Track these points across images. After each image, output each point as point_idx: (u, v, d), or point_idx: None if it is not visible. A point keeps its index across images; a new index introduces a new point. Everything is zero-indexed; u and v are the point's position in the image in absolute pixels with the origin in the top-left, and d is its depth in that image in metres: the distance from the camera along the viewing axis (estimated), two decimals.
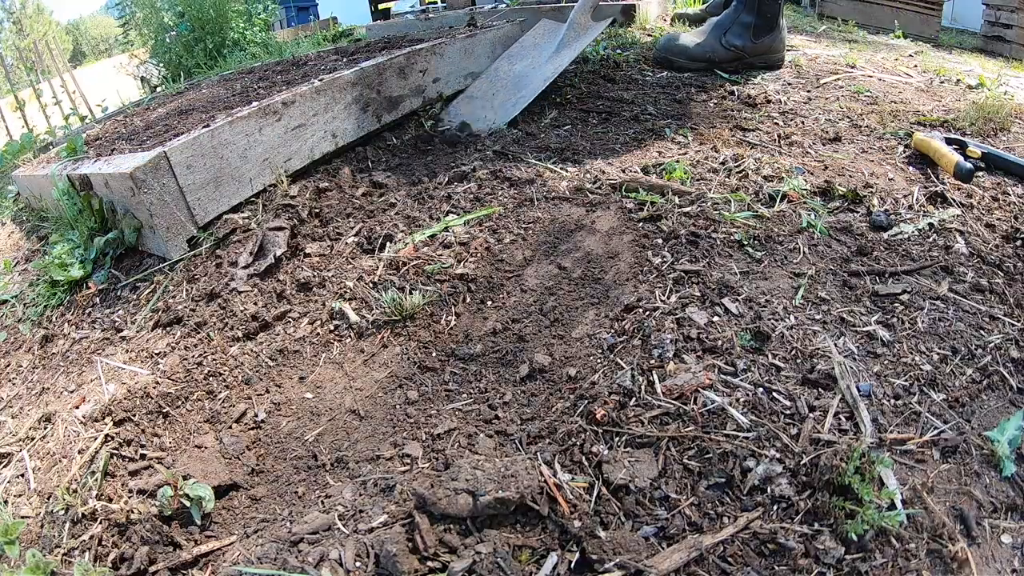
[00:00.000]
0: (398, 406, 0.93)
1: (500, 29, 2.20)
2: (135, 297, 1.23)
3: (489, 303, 1.05)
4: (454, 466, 0.74)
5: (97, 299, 1.27)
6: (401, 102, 1.82)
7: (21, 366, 1.29)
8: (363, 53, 2.22)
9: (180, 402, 0.98)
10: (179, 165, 1.34)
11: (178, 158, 1.34)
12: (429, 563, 0.66)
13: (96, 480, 0.92)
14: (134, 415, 0.97)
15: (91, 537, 0.86)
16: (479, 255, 1.13)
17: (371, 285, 1.12)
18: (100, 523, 0.86)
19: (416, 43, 2.06)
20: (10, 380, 1.28)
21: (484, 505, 0.68)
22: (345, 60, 2.19)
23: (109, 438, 0.97)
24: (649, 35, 2.88)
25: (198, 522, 0.86)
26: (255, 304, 1.10)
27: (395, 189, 1.43)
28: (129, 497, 0.92)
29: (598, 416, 0.78)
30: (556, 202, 1.27)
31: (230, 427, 0.95)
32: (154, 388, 0.99)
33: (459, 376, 0.95)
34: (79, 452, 0.99)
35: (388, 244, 1.22)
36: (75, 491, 0.95)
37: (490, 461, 0.73)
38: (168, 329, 1.12)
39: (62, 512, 0.91)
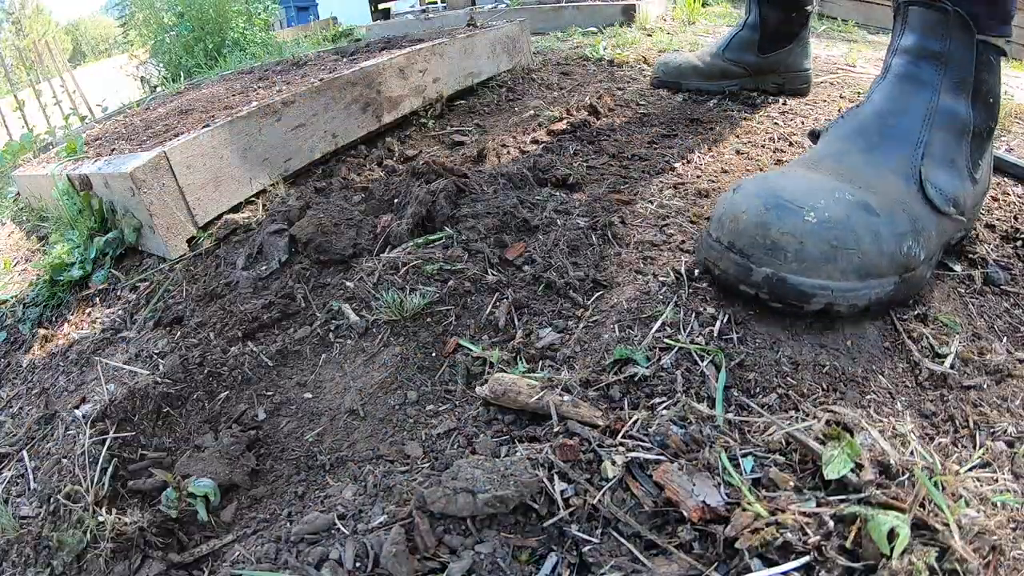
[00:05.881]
0: (398, 406, 0.93)
1: (500, 29, 2.20)
2: (135, 297, 1.23)
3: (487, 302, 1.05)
4: (454, 466, 0.74)
5: (97, 299, 1.27)
6: (401, 102, 1.82)
7: (21, 366, 1.29)
8: (363, 53, 2.22)
9: (180, 402, 0.98)
10: (179, 165, 1.34)
11: (178, 158, 1.34)
12: (429, 563, 0.66)
13: (96, 481, 0.91)
14: (134, 415, 0.98)
15: (92, 539, 0.86)
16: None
17: (371, 285, 1.12)
18: (101, 525, 0.86)
19: (416, 43, 2.06)
20: (10, 380, 1.28)
21: (483, 503, 0.68)
22: (345, 60, 2.19)
23: (109, 439, 0.97)
24: (649, 35, 2.88)
25: (205, 519, 0.86)
26: (255, 305, 1.10)
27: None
28: (130, 498, 0.92)
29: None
30: None
31: (230, 427, 0.95)
32: (154, 388, 0.99)
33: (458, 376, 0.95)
34: (80, 453, 0.99)
35: (388, 244, 1.22)
36: (76, 492, 0.95)
37: (490, 461, 0.73)
38: (168, 329, 1.12)
39: (63, 514, 0.91)
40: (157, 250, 1.31)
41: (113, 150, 1.65)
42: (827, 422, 0.68)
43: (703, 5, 3.67)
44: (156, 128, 1.77)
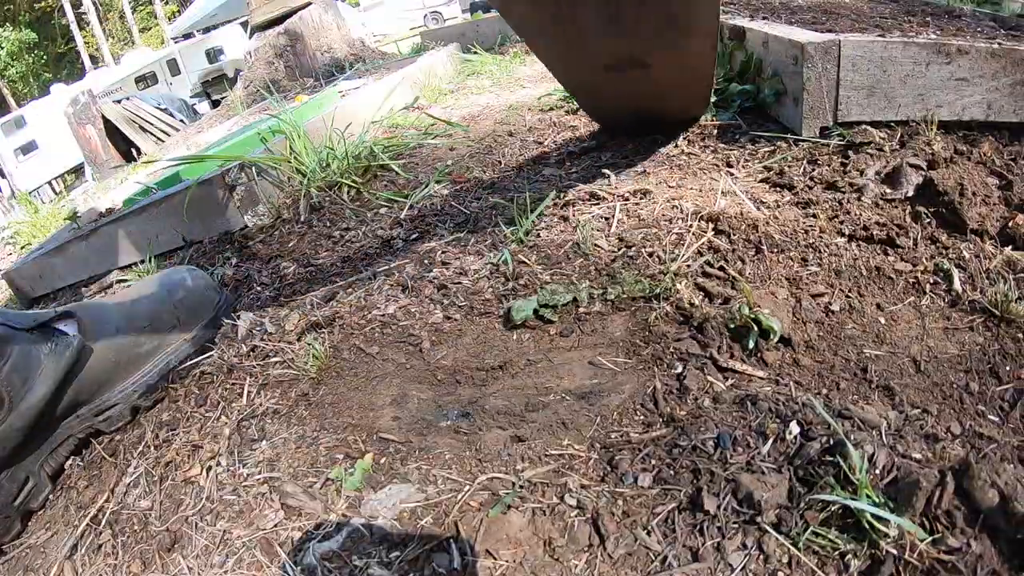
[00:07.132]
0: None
1: None
2: (750, 147, 1.38)
3: None
4: None
5: (715, 131, 1.47)
6: None
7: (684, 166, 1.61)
8: None
9: (776, 250, 1.10)
10: (846, 59, 1.38)
11: (848, 52, 1.38)
12: None
13: (674, 258, 1.10)
14: (734, 233, 1.13)
15: (643, 300, 1.05)
16: None
17: (985, 267, 1.04)
18: (661, 298, 1.05)
19: None
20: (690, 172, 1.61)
21: None
22: (1003, 32, 1.91)
23: (703, 236, 1.16)
24: None
25: (751, 346, 1.00)
26: (871, 215, 1.13)
27: None
28: (693, 290, 1.10)
29: None
30: None
31: (808, 296, 1.04)
32: (763, 225, 1.12)
33: None
34: (671, 231, 1.20)
35: None
36: (652, 253, 1.17)
37: None
38: (775, 189, 1.25)
39: (630, 258, 1.13)
40: (787, 120, 1.42)
41: (764, 17, 1.78)
42: None
43: None
44: (802, 16, 1.84)
